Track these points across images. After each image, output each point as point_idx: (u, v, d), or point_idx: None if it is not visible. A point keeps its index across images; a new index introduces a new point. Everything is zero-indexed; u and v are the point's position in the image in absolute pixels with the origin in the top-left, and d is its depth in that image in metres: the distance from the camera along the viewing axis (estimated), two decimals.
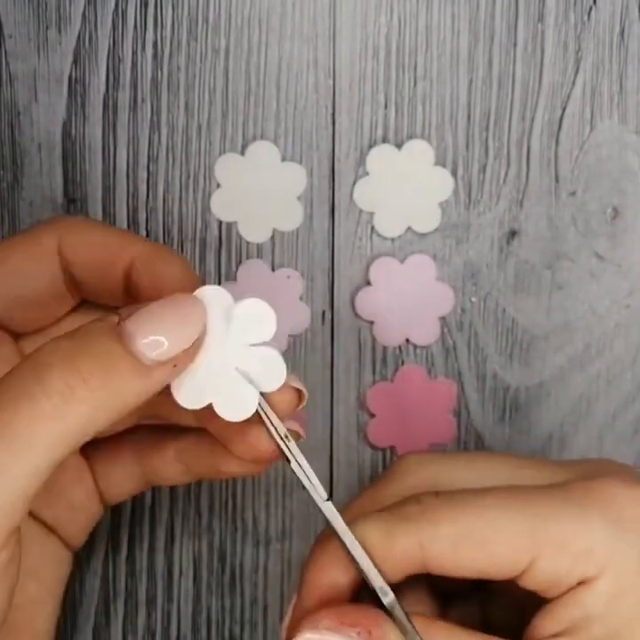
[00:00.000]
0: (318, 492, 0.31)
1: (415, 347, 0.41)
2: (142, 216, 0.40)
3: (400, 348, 0.41)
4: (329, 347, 0.41)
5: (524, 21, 0.40)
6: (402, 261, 0.41)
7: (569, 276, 0.41)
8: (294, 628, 0.31)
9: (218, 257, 0.40)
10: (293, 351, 0.41)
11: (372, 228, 0.40)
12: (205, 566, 0.42)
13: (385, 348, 0.41)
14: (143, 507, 0.41)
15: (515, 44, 0.40)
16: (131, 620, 0.42)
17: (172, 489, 0.41)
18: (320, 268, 0.41)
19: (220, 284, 0.40)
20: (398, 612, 0.30)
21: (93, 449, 0.34)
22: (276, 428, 0.30)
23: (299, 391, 0.31)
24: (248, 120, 0.40)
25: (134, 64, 0.40)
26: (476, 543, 0.30)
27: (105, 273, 0.32)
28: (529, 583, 0.30)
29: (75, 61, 0.39)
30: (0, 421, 0.26)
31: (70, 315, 0.34)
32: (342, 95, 0.40)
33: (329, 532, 0.31)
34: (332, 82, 0.40)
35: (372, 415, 0.41)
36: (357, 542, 0.30)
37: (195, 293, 0.29)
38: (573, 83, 0.40)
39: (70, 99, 0.40)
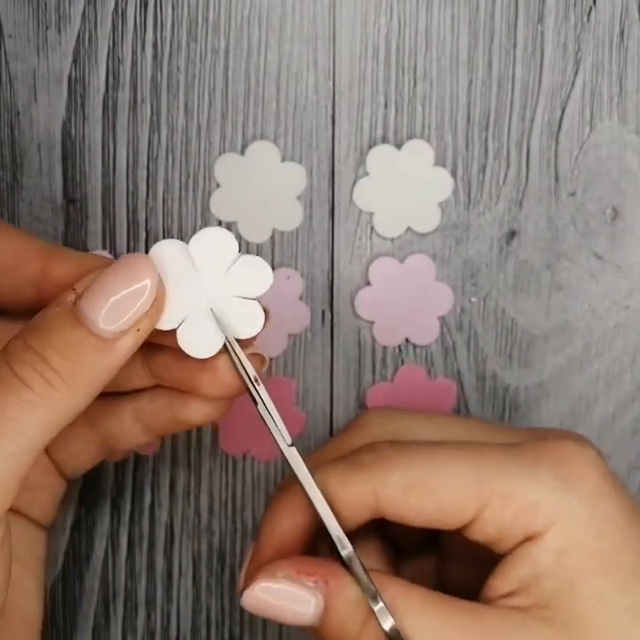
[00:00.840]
0: (283, 436, 0.31)
1: (415, 346, 0.41)
2: (142, 216, 0.40)
3: (400, 347, 0.41)
4: (329, 346, 0.41)
5: (523, 22, 0.40)
6: (401, 261, 0.41)
7: (568, 277, 0.41)
8: (251, 577, 0.32)
9: None
10: (293, 351, 0.41)
11: (372, 228, 0.41)
12: (205, 566, 0.42)
13: (385, 348, 0.41)
14: (142, 507, 0.41)
15: (514, 45, 0.40)
16: (130, 621, 0.42)
17: (172, 489, 0.41)
18: (320, 267, 0.41)
19: None
20: (356, 564, 0.31)
21: None
22: (245, 370, 0.31)
23: (260, 356, 0.32)
24: (248, 120, 0.40)
25: (134, 64, 0.40)
26: (423, 490, 0.31)
27: (10, 280, 0.32)
28: (476, 534, 0.31)
29: (74, 61, 0.39)
30: None
31: None
32: (342, 95, 0.40)
33: (290, 478, 0.32)
34: (331, 82, 0.40)
35: None
36: (317, 488, 0.31)
37: (151, 251, 0.30)
38: (573, 83, 0.40)
39: (70, 99, 0.40)
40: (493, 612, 0.30)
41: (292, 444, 0.31)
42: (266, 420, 0.31)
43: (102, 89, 0.40)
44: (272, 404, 0.31)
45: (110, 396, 0.34)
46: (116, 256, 0.40)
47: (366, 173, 0.40)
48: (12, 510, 0.32)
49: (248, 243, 0.40)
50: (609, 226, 0.41)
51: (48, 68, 0.39)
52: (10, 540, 0.29)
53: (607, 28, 0.40)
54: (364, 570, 0.31)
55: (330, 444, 0.35)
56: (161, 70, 0.40)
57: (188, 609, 0.42)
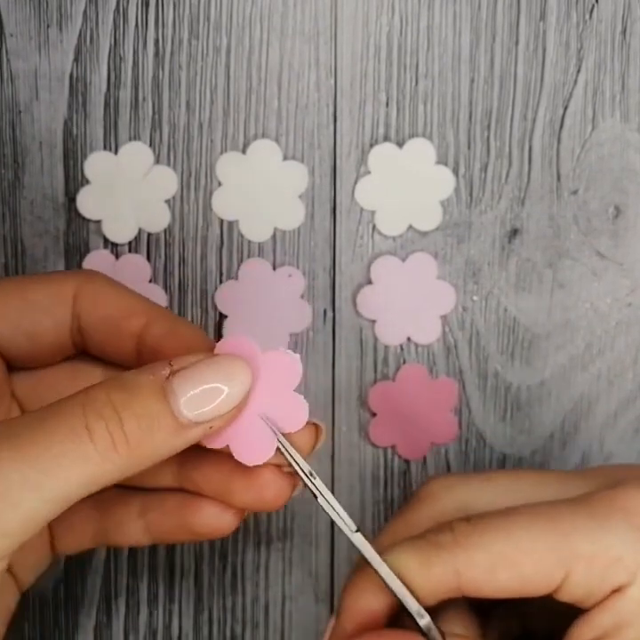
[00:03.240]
0: (347, 524, 0.31)
1: (416, 345, 0.41)
2: None
3: (401, 346, 0.41)
4: (330, 345, 0.41)
5: (525, 20, 0.40)
6: (403, 260, 0.41)
7: (570, 275, 0.41)
8: None
9: (219, 255, 0.40)
10: (295, 350, 0.41)
11: (374, 226, 0.40)
12: (207, 565, 0.42)
13: (386, 347, 0.41)
14: None
15: (516, 43, 0.40)
16: (132, 619, 0.42)
17: None
18: (321, 266, 0.41)
19: (221, 282, 0.40)
20: (434, 633, 0.31)
21: None
22: (299, 466, 0.31)
23: (316, 427, 0.32)
24: (249, 119, 0.40)
25: (135, 62, 0.39)
26: (508, 566, 0.31)
27: (115, 330, 0.33)
28: (565, 596, 0.32)
29: (76, 60, 0.39)
30: (48, 451, 0.27)
31: (65, 362, 0.34)
32: (344, 94, 0.40)
33: (361, 561, 0.33)
34: (333, 80, 0.40)
35: (374, 414, 0.41)
36: (389, 569, 0.31)
37: (219, 345, 0.30)
38: (575, 81, 0.40)
39: (71, 97, 0.40)
40: None
41: (357, 530, 0.31)
42: (328, 512, 0.31)
43: (104, 87, 0.40)
44: (331, 494, 0.31)
45: (125, 487, 0.34)
46: (117, 256, 0.40)
47: (368, 172, 0.40)
48: None
49: (250, 241, 0.40)
50: (611, 224, 0.41)
51: (49, 67, 0.39)
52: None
53: (609, 25, 0.40)
54: (443, 637, 0.31)
55: (397, 519, 0.36)
56: (162, 68, 0.40)
57: (189, 607, 0.42)
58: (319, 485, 0.31)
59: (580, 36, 0.40)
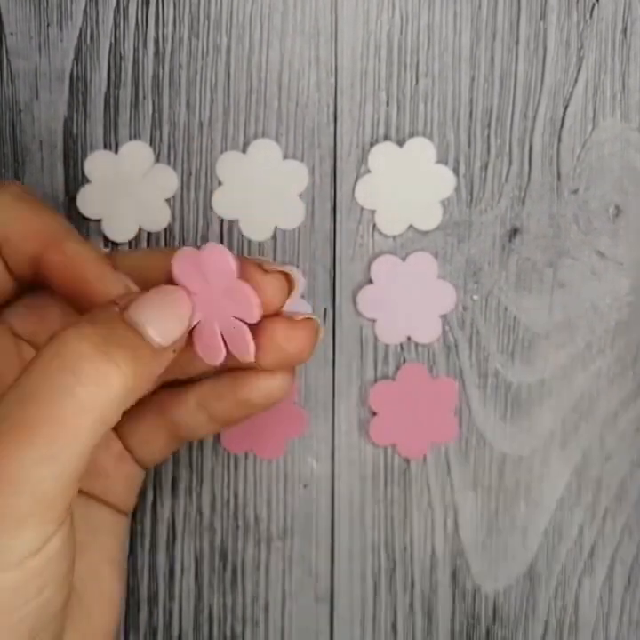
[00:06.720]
0: None
1: (417, 345, 0.41)
2: None
3: (401, 345, 0.41)
4: (330, 345, 0.41)
5: (526, 19, 0.40)
6: (403, 259, 0.40)
7: (571, 274, 0.41)
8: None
9: None
10: None
11: (374, 225, 0.40)
12: (207, 564, 0.42)
13: (386, 346, 0.41)
14: (145, 504, 0.41)
15: (517, 42, 0.40)
16: (132, 618, 0.42)
17: (174, 487, 0.41)
18: (322, 265, 0.41)
19: None
20: None
21: None
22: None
23: (287, 276, 0.32)
24: (249, 118, 0.40)
25: (136, 61, 0.39)
26: None
27: (13, 252, 0.33)
28: None
29: (76, 59, 0.39)
30: (45, 416, 0.27)
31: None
32: (344, 93, 0.40)
33: None
34: (333, 79, 0.40)
35: (374, 413, 0.41)
36: None
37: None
38: (576, 80, 0.40)
39: (71, 96, 0.39)
40: None
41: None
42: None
43: (104, 86, 0.40)
44: None
45: (177, 385, 0.35)
46: None
47: (368, 171, 0.40)
48: (88, 496, 0.34)
49: (250, 241, 0.40)
50: (611, 223, 0.41)
51: (49, 66, 0.39)
52: (74, 532, 0.29)
53: (610, 25, 0.40)
54: None
55: None
56: (163, 67, 0.40)
57: (190, 606, 0.42)
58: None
59: (580, 35, 0.40)
